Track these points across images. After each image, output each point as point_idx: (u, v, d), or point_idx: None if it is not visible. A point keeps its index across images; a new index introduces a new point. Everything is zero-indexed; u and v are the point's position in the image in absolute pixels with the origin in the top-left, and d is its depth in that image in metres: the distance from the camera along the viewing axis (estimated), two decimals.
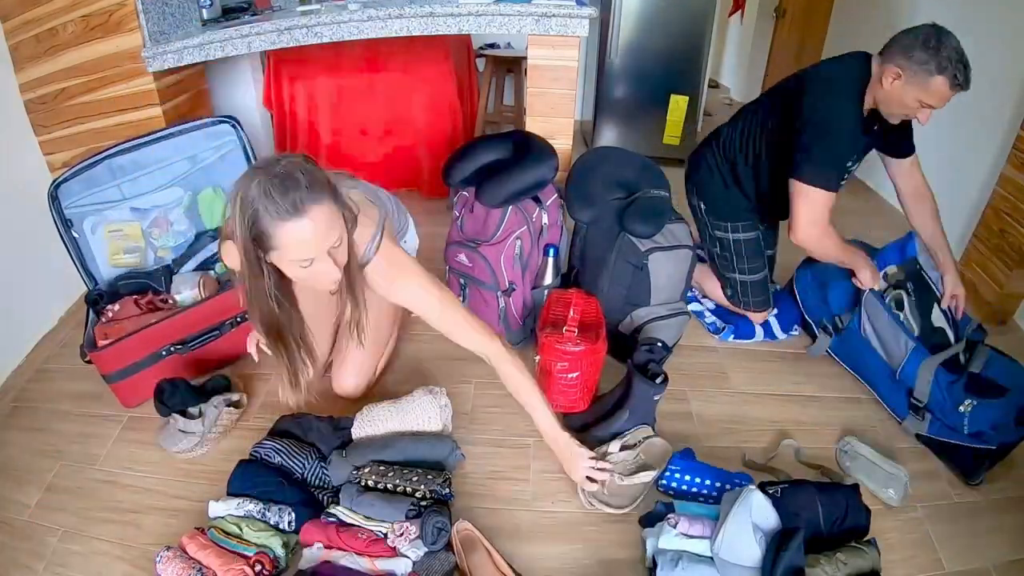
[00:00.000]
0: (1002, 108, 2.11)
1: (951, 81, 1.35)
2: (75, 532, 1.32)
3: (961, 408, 1.43)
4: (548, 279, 1.79)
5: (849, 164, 1.57)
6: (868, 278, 1.66)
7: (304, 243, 0.98)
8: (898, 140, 1.65)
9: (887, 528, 1.34)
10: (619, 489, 1.36)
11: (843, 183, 1.60)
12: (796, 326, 1.93)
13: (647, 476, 1.36)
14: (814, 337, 1.87)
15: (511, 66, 3.23)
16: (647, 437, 1.45)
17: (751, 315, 1.89)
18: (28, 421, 1.62)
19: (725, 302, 1.94)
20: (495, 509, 1.37)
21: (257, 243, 1.00)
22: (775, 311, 1.91)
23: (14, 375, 1.75)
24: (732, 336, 1.93)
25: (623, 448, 1.42)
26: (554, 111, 1.95)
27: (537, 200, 1.75)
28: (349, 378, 1.59)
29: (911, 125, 1.62)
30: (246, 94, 2.59)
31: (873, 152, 1.70)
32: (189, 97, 2.01)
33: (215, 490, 1.40)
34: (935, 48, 1.35)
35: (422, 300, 1.26)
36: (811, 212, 1.52)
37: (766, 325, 1.92)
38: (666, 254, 1.69)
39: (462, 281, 1.75)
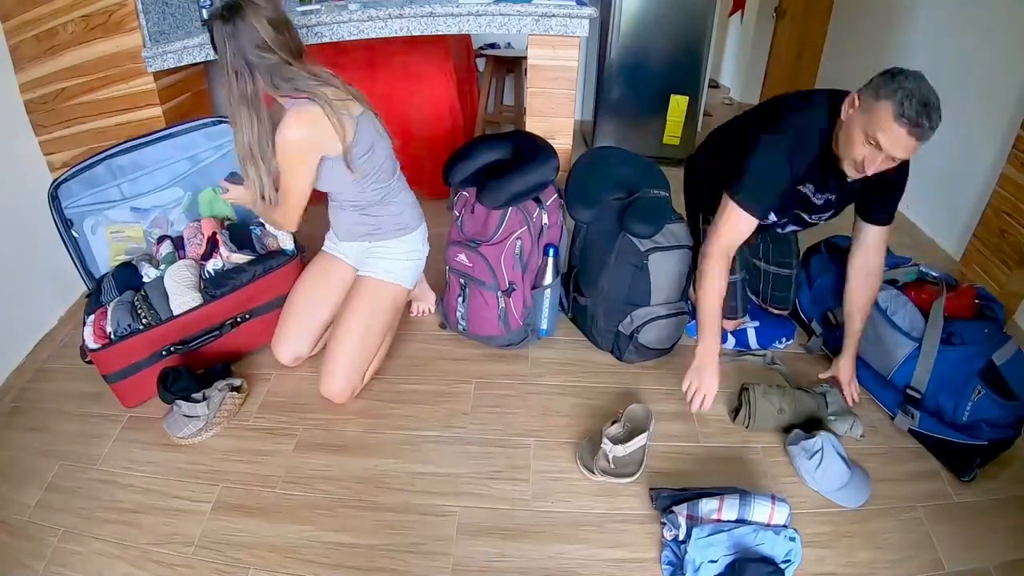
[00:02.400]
0: (1002, 108, 2.11)
1: (895, 109, 1.19)
2: (75, 532, 1.32)
3: (972, 394, 1.44)
4: (548, 279, 1.79)
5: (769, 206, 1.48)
6: (704, 396, 1.48)
7: None
8: (877, 203, 1.52)
9: (887, 528, 1.34)
10: (624, 459, 1.44)
11: (772, 220, 1.57)
12: (782, 339, 1.89)
13: (642, 439, 1.46)
14: (811, 335, 1.89)
15: (511, 66, 3.23)
16: (626, 407, 1.56)
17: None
18: (28, 421, 1.62)
19: (694, 298, 1.90)
20: (495, 509, 1.37)
21: None
22: (755, 323, 1.88)
23: (14, 375, 1.75)
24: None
25: (612, 423, 1.50)
26: (554, 111, 1.95)
27: (537, 200, 1.75)
28: (336, 380, 1.58)
29: (895, 193, 1.49)
30: None
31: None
32: (189, 97, 2.01)
33: (215, 490, 1.41)
34: (893, 77, 1.23)
35: (284, 167, 1.44)
36: (722, 219, 1.48)
37: (740, 333, 1.89)
38: (666, 254, 1.69)
39: (462, 281, 1.75)
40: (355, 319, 1.60)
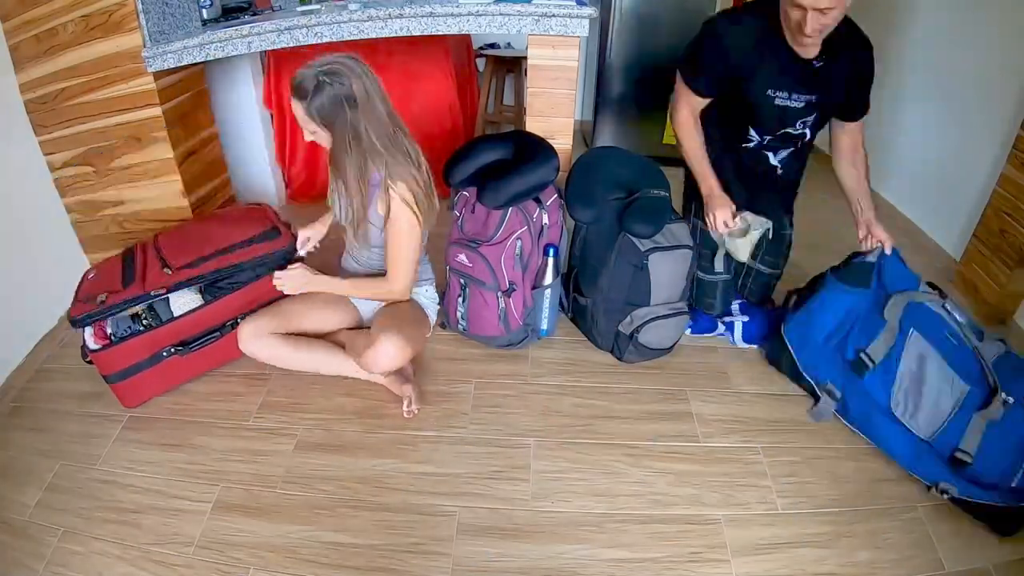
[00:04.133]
0: (1002, 108, 2.10)
1: None
2: (75, 532, 1.32)
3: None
4: (548, 279, 1.79)
5: (705, 76, 1.64)
6: (717, 220, 1.63)
7: None
8: (852, 95, 1.60)
9: (887, 528, 1.34)
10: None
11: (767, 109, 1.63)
12: (763, 342, 1.86)
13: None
14: (815, 396, 1.65)
15: (511, 66, 3.23)
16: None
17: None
18: (28, 421, 1.62)
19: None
20: (495, 509, 1.38)
21: None
22: (745, 318, 1.88)
23: (14, 375, 1.75)
24: (690, 330, 1.91)
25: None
26: (554, 111, 1.95)
27: (537, 200, 1.75)
28: (388, 342, 1.50)
29: (867, 88, 1.60)
30: (246, 94, 2.59)
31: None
32: (189, 97, 2.01)
33: (215, 490, 1.41)
34: None
35: (392, 241, 1.53)
36: (675, 95, 1.71)
37: (728, 326, 1.89)
38: (666, 254, 1.69)
39: (462, 281, 1.75)
40: (392, 319, 1.60)
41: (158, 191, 1.99)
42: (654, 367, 1.81)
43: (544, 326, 1.87)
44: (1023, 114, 1.97)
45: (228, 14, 2.08)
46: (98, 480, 1.44)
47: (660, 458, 1.51)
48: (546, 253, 1.77)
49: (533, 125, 1.97)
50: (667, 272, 1.71)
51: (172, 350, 1.62)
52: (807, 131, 1.66)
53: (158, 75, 1.83)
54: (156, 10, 1.81)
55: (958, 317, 1.51)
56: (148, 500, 1.39)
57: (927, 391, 1.42)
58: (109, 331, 1.56)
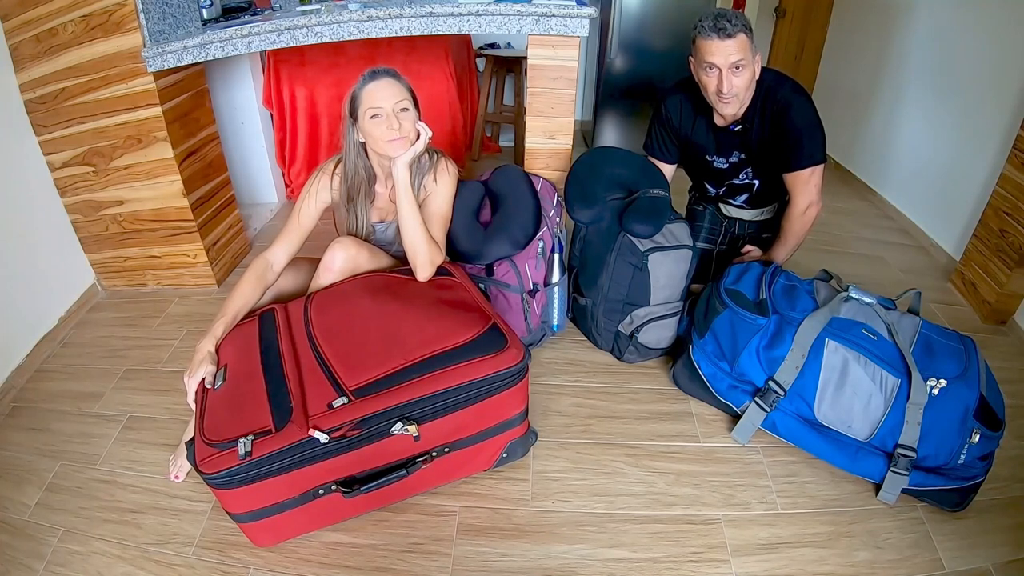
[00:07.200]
0: (1002, 108, 2.10)
1: (699, 32, 1.53)
2: (75, 532, 1.32)
3: (971, 439, 1.29)
4: (556, 276, 1.79)
5: (659, 145, 1.87)
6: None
7: (375, 94, 1.43)
8: (781, 152, 1.64)
9: (887, 528, 1.34)
10: None
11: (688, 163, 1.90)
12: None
13: None
14: (732, 413, 1.59)
15: (511, 66, 3.23)
16: None
17: None
18: (28, 421, 1.62)
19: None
20: (495, 509, 1.38)
21: (351, 112, 1.46)
22: None
23: (14, 375, 1.75)
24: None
25: None
26: (554, 111, 1.95)
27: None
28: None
29: (792, 142, 1.60)
30: (246, 94, 2.59)
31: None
32: (189, 97, 2.01)
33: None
34: (695, 23, 1.56)
35: (437, 199, 1.62)
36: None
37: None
38: (666, 254, 1.69)
39: (481, 286, 1.74)
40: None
41: (158, 191, 1.99)
42: (654, 367, 1.81)
43: (556, 321, 1.87)
44: (1023, 114, 1.97)
45: (228, 14, 2.08)
46: (98, 480, 1.44)
47: (660, 458, 1.51)
48: (552, 250, 1.78)
49: (533, 125, 1.98)
50: (667, 272, 1.71)
51: (333, 488, 1.23)
52: (753, 180, 1.80)
53: (158, 75, 1.83)
54: (156, 10, 1.81)
55: (866, 300, 1.46)
56: (148, 500, 1.39)
57: (856, 398, 1.36)
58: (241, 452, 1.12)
